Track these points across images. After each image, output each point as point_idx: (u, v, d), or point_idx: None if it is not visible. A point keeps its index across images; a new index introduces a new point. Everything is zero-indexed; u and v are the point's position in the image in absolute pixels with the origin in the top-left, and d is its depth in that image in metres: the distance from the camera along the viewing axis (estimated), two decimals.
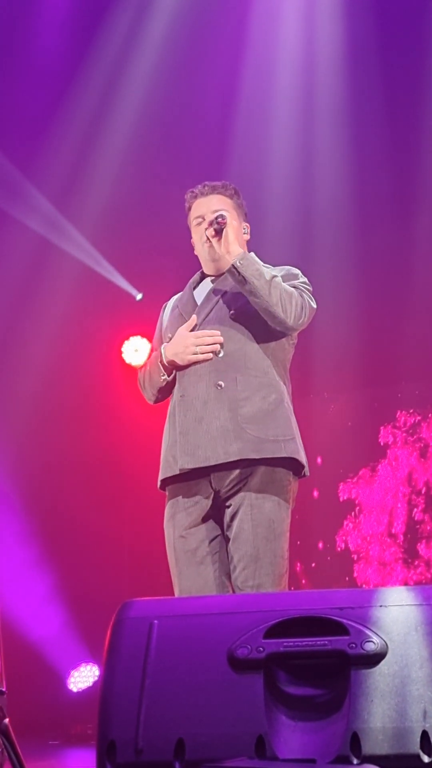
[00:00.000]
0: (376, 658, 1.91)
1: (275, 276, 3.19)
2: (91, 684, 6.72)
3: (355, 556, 6.72)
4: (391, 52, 6.28)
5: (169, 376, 3.27)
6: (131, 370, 6.97)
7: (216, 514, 3.17)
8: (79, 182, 6.71)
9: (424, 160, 6.36)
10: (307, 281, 3.34)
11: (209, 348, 3.20)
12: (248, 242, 3.45)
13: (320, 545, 6.76)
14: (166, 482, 3.25)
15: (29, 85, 6.48)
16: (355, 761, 1.82)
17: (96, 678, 6.70)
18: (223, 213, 3.25)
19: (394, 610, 1.97)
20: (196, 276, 3.46)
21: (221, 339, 3.20)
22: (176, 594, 3.17)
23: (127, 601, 2.11)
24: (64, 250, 6.87)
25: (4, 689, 2.66)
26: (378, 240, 6.56)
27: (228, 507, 3.14)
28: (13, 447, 6.77)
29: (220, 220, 3.22)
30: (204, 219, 3.33)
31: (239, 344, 3.21)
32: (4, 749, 2.53)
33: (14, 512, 6.71)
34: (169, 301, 3.51)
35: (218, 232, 3.23)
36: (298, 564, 6.51)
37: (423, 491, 6.63)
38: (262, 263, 3.34)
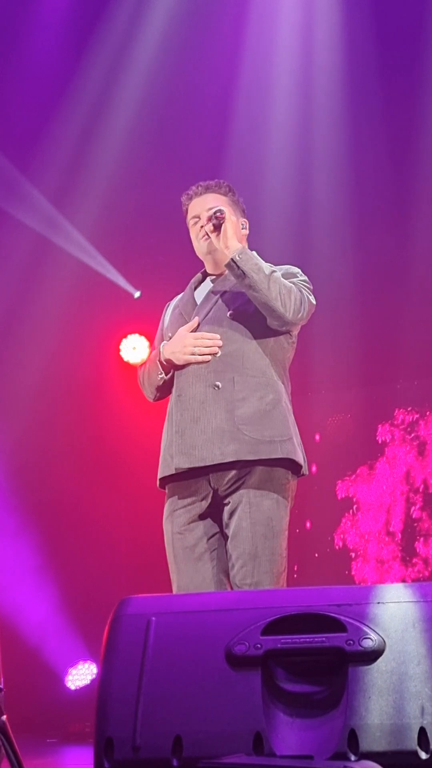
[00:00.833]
0: (374, 654, 1.91)
1: (274, 271, 3.20)
2: (88, 682, 6.72)
3: (352, 554, 6.73)
4: (391, 52, 6.28)
5: (166, 375, 3.27)
6: (129, 368, 6.96)
7: (214, 511, 3.18)
8: (77, 180, 6.71)
9: (422, 160, 6.35)
10: (307, 279, 3.35)
11: (207, 350, 3.20)
12: (248, 239, 3.45)
13: (318, 543, 6.76)
14: (164, 481, 3.26)
15: (27, 82, 6.48)
16: (352, 758, 1.82)
17: (94, 676, 6.70)
18: (221, 209, 3.26)
19: (392, 606, 1.97)
20: (198, 276, 3.46)
21: (220, 342, 3.20)
22: (174, 591, 3.17)
23: (125, 598, 2.11)
24: (62, 248, 6.86)
25: (2, 687, 2.66)
26: (376, 238, 6.56)
27: (226, 505, 3.15)
28: (12, 444, 6.77)
29: (218, 215, 3.23)
30: (200, 218, 3.34)
31: (237, 344, 3.21)
32: (2, 747, 2.53)
33: (12, 510, 6.71)
34: (172, 301, 3.52)
35: (217, 228, 3.23)
36: (296, 563, 6.52)
37: (421, 489, 6.63)
38: (261, 260, 3.35)
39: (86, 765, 2.17)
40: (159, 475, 3.27)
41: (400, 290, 6.49)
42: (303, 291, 3.25)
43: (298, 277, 3.32)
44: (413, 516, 6.62)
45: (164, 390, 3.34)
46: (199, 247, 3.38)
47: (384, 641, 1.92)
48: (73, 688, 6.78)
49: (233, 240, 3.20)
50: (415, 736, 1.83)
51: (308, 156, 6.56)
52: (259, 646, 1.95)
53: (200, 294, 3.38)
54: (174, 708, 1.93)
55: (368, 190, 6.53)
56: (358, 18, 6.29)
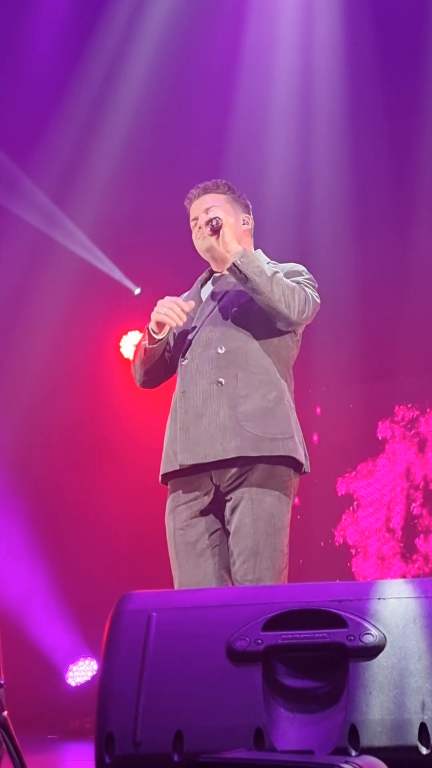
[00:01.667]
0: (375, 650, 1.91)
1: (276, 272, 3.18)
2: (89, 678, 6.73)
3: (353, 551, 6.73)
4: (391, 52, 6.28)
5: (150, 344, 3.25)
6: (130, 365, 6.95)
7: (216, 508, 3.18)
8: (78, 177, 6.71)
9: (422, 159, 6.36)
10: (312, 278, 3.34)
11: (174, 314, 3.17)
12: (253, 233, 3.45)
13: (319, 540, 6.76)
14: (167, 477, 3.27)
15: (27, 80, 6.48)
16: (353, 753, 1.82)
17: (94, 673, 6.71)
18: (218, 216, 3.24)
19: (393, 602, 1.98)
20: (205, 273, 3.46)
21: (188, 309, 3.18)
22: (175, 587, 3.18)
23: (126, 593, 2.11)
24: (63, 245, 6.86)
25: (2, 683, 2.66)
26: (377, 235, 6.56)
27: (228, 501, 3.15)
28: (12, 441, 6.77)
29: (214, 224, 3.22)
30: (198, 220, 3.35)
31: (241, 341, 3.21)
32: (3, 743, 2.54)
33: (12, 506, 6.72)
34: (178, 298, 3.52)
35: (215, 232, 3.23)
36: (299, 559, 6.51)
37: (421, 486, 6.64)
38: (266, 259, 3.35)
39: (87, 761, 2.17)
40: (162, 471, 3.27)
41: (401, 287, 6.50)
42: (307, 290, 3.23)
43: (302, 275, 3.31)
44: (413, 512, 6.62)
45: (153, 374, 3.35)
46: (199, 247, 3.38)
47: (385, 637, 1.93)
48: (73, 684, 6.79)
49: (233, 243, 3.20)
50: (416, 731, 1.83)
51: (308, 154, 6.56)
52: (260, 641, 1.95)
53: (207, 292, 3.39)
54: (175, 703, 1.93)
55: (368, 188, 6.53)
56: (358, 17, 6.28)
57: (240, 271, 3.14)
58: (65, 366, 6.96)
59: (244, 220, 3.40)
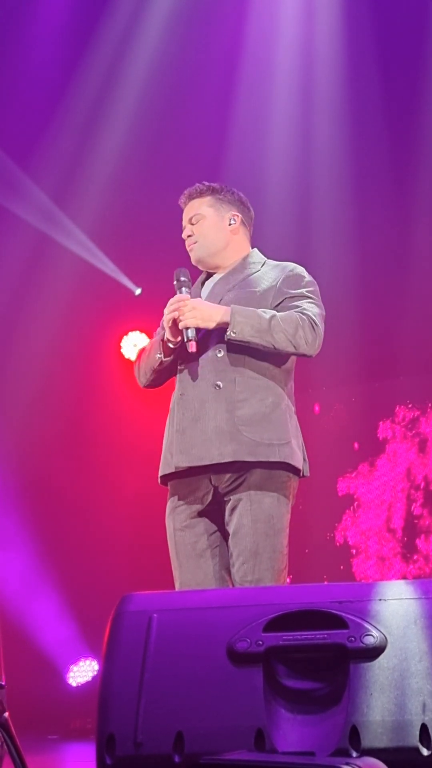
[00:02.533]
0: (375, 651, 1.92)
1: (273, 316, 3.12)
2: (90, 679, 6.73)
3: (353, 551, 6.73)
4: (391, 52, 6.28)
5: (164, 356, 3.25)
6: (130, 366, 6.94)
7: (216, 508, 3.18)
8: (78, 177, 6.71)
9: (423, 157, 6.35)
10: (313, 281, 3.30)
11: (172, 311, 3.15)
12: (250, 228, 3.44)
13: (319, 540, 6.76)
14: (165, 478, 3.27)
15: (28, 79, 6.48)
16: (354, 754, 1.82)
17: (95, 673, 6.71)
18: (186, 328, 3.14)
19: (393, 603, 1.98)
20: (203, 274, 3.45)
21: (185, 301, 3.16)
22: (176, 587, 3.18)
23: (127, 594, 2.11)
24: (63, 245, 6.86)
25: (3, 683, 2.66)
26: (377, 233, 6.56)
27: (227, 502, 3.15)
28: (13, 442, 6.77)
29: (190, 335, 3.14)
30: (185, 228, 3.37)
31: (240, 345, 3.20)
32: (4, 743, 2.54)
33: (13, 507, 6.72)
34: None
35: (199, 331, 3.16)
36: (299, 559, 6.51)
37: (422, 486, 6.64)
38: (262, 259, 3.34)
39: (88, 761, 2.17)
40: (160, 473, 3.27)
41: (401, 286, 6.49)
42: (308, 312, 3.17)
43: (302, 282, 3.26)
44: (414, 513, 6.63)
45: (159, 376, 3.32)
46: (191, 258, 3.40)
47: (385, 638, 1.93)
48: (74, 684, 6.79)
49: (213, 317, 3.12)
50: (417, 732, 1.83)
51: (309, 154, 6.56)
52: (260, 642, 1.95)
53: (206, 292, 3.38)
54: (175, 704, 1.93)
55: (369, 187, 6.52)
56: (359, 15, 6.28)
57: (239, 340, 3.12)
58: (65, 366, 6.95)
59: (231, 219, 3.36)
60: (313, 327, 3.14)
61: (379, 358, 6.70)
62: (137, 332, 7.17)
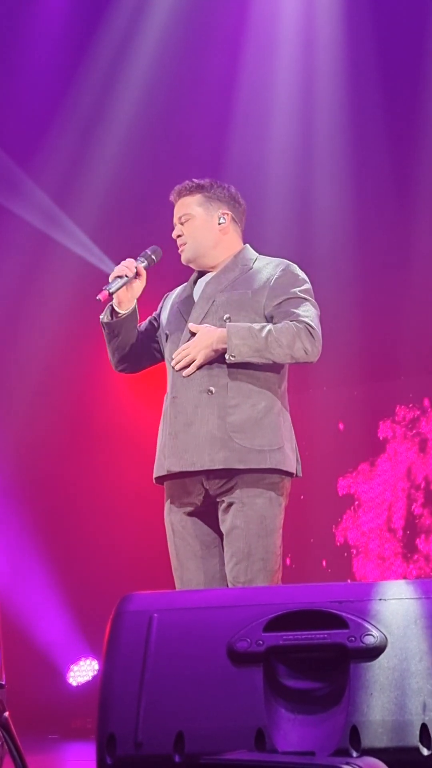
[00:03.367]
0: (376, 651, 1.92)
1: (268, 334, 3.10)
2: (90, 678, 6.73)
3: (354, 551, 6.73)
4: (392, 51, 6.27)
5: (103, 318, 3.49)
6: None
7: (211, 509, 3.19)
8: (78, 176, 6.70)
9: (424, 156, 6.35)
10: (305, 278, 3.28)
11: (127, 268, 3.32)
12: (243, 225, 3.42)
13: (319, 540, 6.76)
14: (160, 479, 3.28)
15: (28, 78, 6.48)
16: (354, 754, 1.82)
17: (95, 672, 6.71)
18: (192, 364, 3.18)
19: (394, 603, 1.98)
20: (195, 273, 3.44)
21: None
22: (177, 587, 3.19)
23: (127, 594, 2.12)
24: (63, 245, 6.86)
25: (3, 683, 2.66)
26: (377, 233, 6.55)
27: (221, 503, 3.15)
28: (13, 442, 6.77)
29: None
30: (175, 230, 3.38)
31: None
32: (4, 743, 2.54)
33: (14, 506, 6.72)
34: (171, 293, 3.50)
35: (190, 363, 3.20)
36: (299, 559, 6.52)
37: (422, 486, 6.63)
38: (254, 255, 3.33)
39: (88, 761, 2.17)
40: (154, 474, 3.29)
41: (402, 285, 6.49)
42: (304, 318, 3.15)
43: (296, 285, 3.23)
44: (414, 513, 6.62)
45: (127, 357, 3.50)
46: (181, 256, 3.40)
47: (386, 638, 1.93)
48: (74, 684, 6.78)
49: (211, 345, 3.14)
50: (417, 732, 1.83)
51: (309, 153, 6.56)
52: (260, 642, 1.96)
53: (198, 291, 3.36)
54: (176, 704, 1.93)
55: (369, 188, 6.52)
56: (360, 16, 6.28)
57: (238, 362, 3.12)
58: (65, 366, 6.95)
59: (220, 218, 3.34)
60: (311, 334, 3.12)
61: (379, 358, 6.69)
62: None
